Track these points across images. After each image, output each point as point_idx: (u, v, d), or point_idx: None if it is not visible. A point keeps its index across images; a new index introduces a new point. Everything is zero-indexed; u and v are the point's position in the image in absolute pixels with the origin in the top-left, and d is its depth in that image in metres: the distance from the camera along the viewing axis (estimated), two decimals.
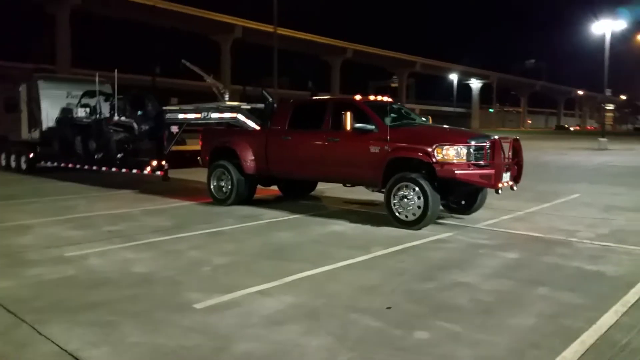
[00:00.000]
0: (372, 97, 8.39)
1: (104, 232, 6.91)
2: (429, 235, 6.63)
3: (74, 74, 49.18)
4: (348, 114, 7.34)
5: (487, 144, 6.82)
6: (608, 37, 31.98)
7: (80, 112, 13.09)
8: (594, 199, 9.84)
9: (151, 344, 3.38)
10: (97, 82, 12.68)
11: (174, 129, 10.51)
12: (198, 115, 10.26)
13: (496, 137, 6.99)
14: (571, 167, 18.40)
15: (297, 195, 10.19)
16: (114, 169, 11.80)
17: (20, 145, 14.97)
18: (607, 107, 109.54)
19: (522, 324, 3.74)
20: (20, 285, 4.62)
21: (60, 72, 49.09)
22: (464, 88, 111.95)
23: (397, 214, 7.11)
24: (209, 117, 10.09)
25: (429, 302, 4.16)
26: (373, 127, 7.39)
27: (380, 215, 7.98)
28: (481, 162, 6.82)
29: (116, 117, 11.91)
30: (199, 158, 10.01)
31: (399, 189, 7.05)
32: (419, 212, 6.89)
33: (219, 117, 9.95)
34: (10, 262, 5.36)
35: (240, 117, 9.57)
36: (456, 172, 6.64)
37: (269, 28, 48.93)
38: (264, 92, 9.29)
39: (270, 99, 9.22)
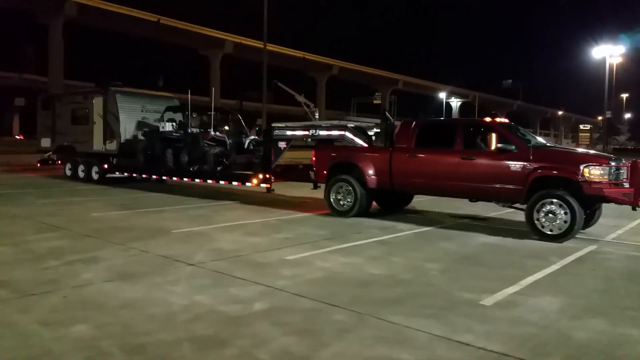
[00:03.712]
0: (498, 120, 9.15)
1: (280, 239, 7.46)
2: (580, 247, 7.35)
3: (66, 85, 49.21)
4: (493, 135, 8.12)
5: (628, 165, 7.67)
6: (608, 62, 33.94)
7: (168, 127, 13.52)
8: None
9: (503, 333, 3.99)
10: (189, 99, 13.09)
11: (282, 144, 11.08)
12: (306, 132, 10.90)
13: (636, 159, 7.85)
14: None
15: (394, 209, 10.85)
16: (210, 181, 12.28)
17: (91, 157, 15.25)
18: (583, 127, 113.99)
19: None
20: (294, 284, 5.15)
21: (52, 84, 48.94)
22: (445, 106, 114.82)
23: (540, 228, 7.86)
24: (317, 134, 10.73)
25: None
26: (513, 147, 8.16)
27: (504, 229, 8.76)
28: (619, 182, 7.66)
29: (212, 133, 12.43)
30: (311, 172, 10.64)
31: (542, 205, 7.82)
32: (564, 227, 7.64)
33: (327, 135, 10.62)
34: (246, 265, 5.86)
35: (348, 134, 10.26)
36: (604, 190, 7.46)
37: (258, 44, 49.24)
38: (385, 112, 9.98)
39: (391, 119, 9.93)
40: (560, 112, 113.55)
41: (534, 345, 3.76)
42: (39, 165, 17.46)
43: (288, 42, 74.85)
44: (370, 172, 9.59)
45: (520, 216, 9.40)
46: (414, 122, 9.61)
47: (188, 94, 12.84)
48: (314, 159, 10.53)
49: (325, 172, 10.18)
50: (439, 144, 9.08)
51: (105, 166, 14.71)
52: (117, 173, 14.68)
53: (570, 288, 5.30)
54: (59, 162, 16.67)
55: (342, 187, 9.91)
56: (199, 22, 66.37)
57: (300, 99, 12.65)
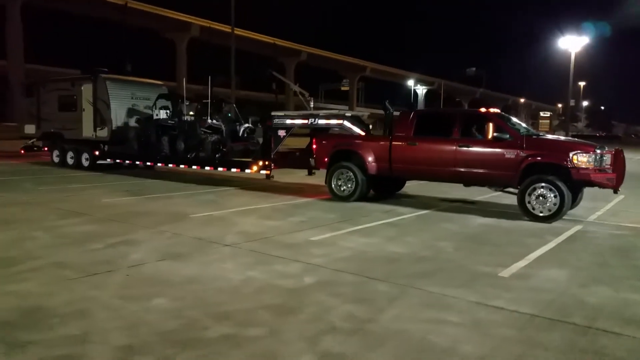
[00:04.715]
0: (492, 110, 9.81)
1: (297, 222, 7.94)
2: (568, 227, 8.11)
3: (28, 70, 47.64)
4: (490, 125, 8.78)
5: (612, 152, 8.45)
6: (573, 52, 35.39)
7: (162, 114, 13.69)
8: None
9: (527, 298, 4.60)
10: (184, 87, 13.31)
11: (281, 133, 11.48)
12: (305, 121, 11.34)
13: (618, 147, 8.65)
14: None
15: (388, 194, 11.46)
16: (207, 168, 12.58)
17: (80, 144, 15.26)
18: (543, 114, 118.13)
19: None
20: (329, 261, 5.65)
21: (12, 68, 47.42)
22: (412, 93, 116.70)
23: (531, 210, 8.59)
24: (316, 122, 11.19)
25: None
26: (507, 136, 8.84)
27: (494, 211, 9.48)
28: (603, 168, 8.44)
29: (209, 121, 12.70)
30: (311, 159, 11.09)
31: (534, 189, 8.55)
32: (554, 209, 8.39)
33: (326, 123, 11.10)
34: (278, 245, 6.32)
35: (347, 123, 10.78)
36: (591, 175, 8.23)
37: (226, 28, 48.62)
38: (386, 103, 10.51)
39: (391, 109, 10.47)
40: (521, 100, 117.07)
41: (556, 307, 4.40)
42: (22, 152, 17.29)
43: (257, 28, 74.37)
44: (371, 159, 10.13)
45: (506, 199, 10.22)
46: (413, 112, 10.18)
47: (183, 82, 13.06)
48: (314, 146, 10.98)
49: (326, 159, 10.67)
50: (436, 133, 9.68)
51: (96, 153, 14.78)
52: (108, 160, 14.77)
53: (571, 262, 5.99)
54: (45, 148, 16.58)
55: (342, 174, 10.42)
56: (164, 4, 65.10)
57: (295, 88, 12.95)
